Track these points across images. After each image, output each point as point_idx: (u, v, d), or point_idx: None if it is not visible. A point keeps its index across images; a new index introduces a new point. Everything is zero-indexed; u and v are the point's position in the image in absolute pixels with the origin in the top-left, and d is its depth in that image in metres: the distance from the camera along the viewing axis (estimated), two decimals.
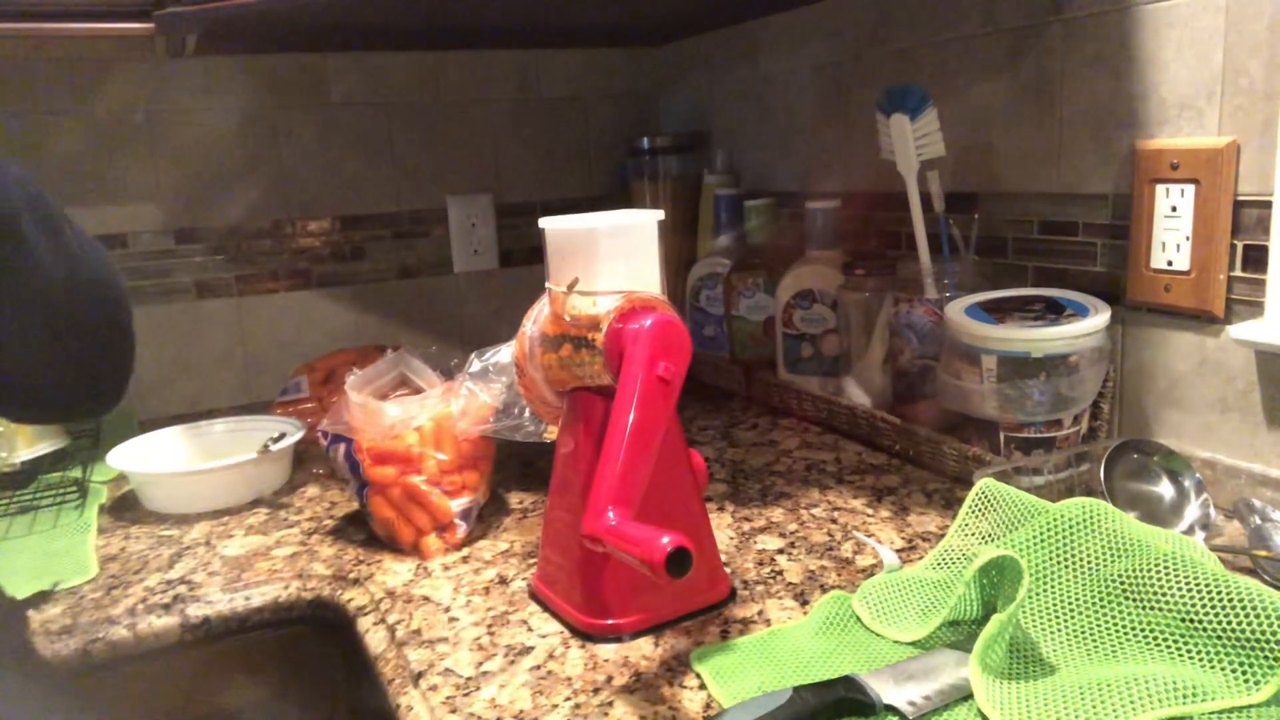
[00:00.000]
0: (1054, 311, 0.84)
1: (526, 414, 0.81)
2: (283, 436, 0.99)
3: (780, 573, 0.74)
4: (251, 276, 1.34)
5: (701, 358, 1.31)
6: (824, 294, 1.10)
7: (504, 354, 0.85)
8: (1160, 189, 0.80)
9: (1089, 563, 0.63)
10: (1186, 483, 0.76)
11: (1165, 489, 0.76)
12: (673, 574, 0.52)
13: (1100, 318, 0.81)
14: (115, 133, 1.24)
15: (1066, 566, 0.64)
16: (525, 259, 1.51)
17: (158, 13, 0.94)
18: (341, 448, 0.85)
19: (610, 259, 0.64)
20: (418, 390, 0.93)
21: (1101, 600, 0.61)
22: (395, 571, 0.80)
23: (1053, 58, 0.89)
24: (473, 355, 0.86)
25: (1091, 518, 0.65)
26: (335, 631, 0.77)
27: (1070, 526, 0.65)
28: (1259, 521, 0.71)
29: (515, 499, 0.94)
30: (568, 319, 0.66)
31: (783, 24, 1.25)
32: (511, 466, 1.01)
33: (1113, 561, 0.62)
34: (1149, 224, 0.81)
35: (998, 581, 0.61)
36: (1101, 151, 0.86)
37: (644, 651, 0.64)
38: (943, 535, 0.79)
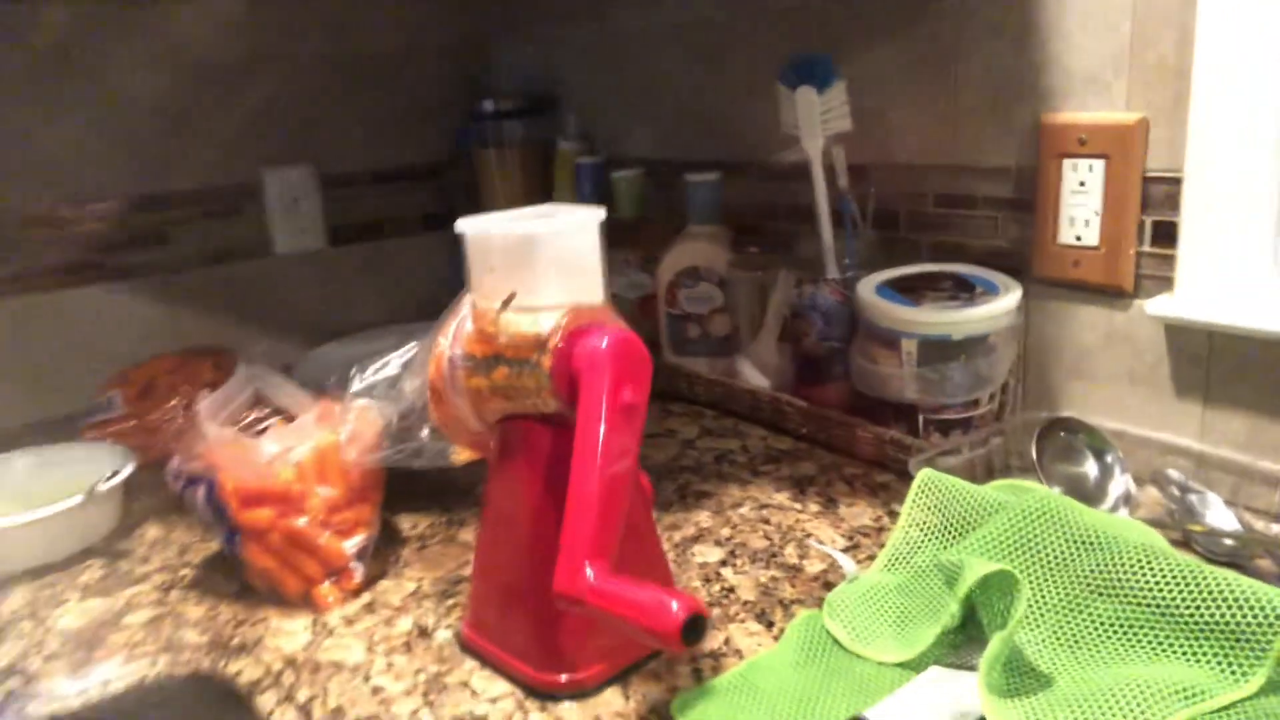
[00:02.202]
0: (964, 289, 0.83)
1: (425, 434, 0.71)
2: (114, 474, 0.82)
3: (732, 590, 0.69)
4: (24, 274, 1.12)
5: None
6: (709, 271, 1.05)
7: (391, 366, 0.74)
8: (1068, 163, 0.79)
9: (1056, 559, 0.62)
10: (1109, 459, 0.77)
11: (1090, 467, 0.77)
12: (688, 643, 0.45)
13: (1014, 295, 0.81)
14: None
15: (1033, 564, 0.63)
16: (357, 235, 1.36)
17: None
18: (200, 490, 0.71)
19: (551, 269, 0.55)
20: (278, 411, 0.79)
21: (1073, 598, 0.60)
22: (288, 631, 0.68)
23: (948, 25, 0.87)
24: (353, 370, 0.74)
25: (1052, 510, 0.63)
26: (224, 716, 0.65)
27: (1032, 521, 0.63)
28: (1178, 493, 0.73)
29: (407, 525, 0.83)
30: (503, 339, 0.56)
31: None
32: (392, 485, 0.89)
33: (1080, 556, 0.61)
34: (1055, 198, 0.81)
35: (980, 590, 0.59)
36: (1002, 124, 0.85)
37: (615, 707, 0.57)
38: (881, 528, 0.76)
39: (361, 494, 0.73)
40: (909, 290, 0.84)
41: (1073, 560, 0.62)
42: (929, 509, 0.70)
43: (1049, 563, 0.62)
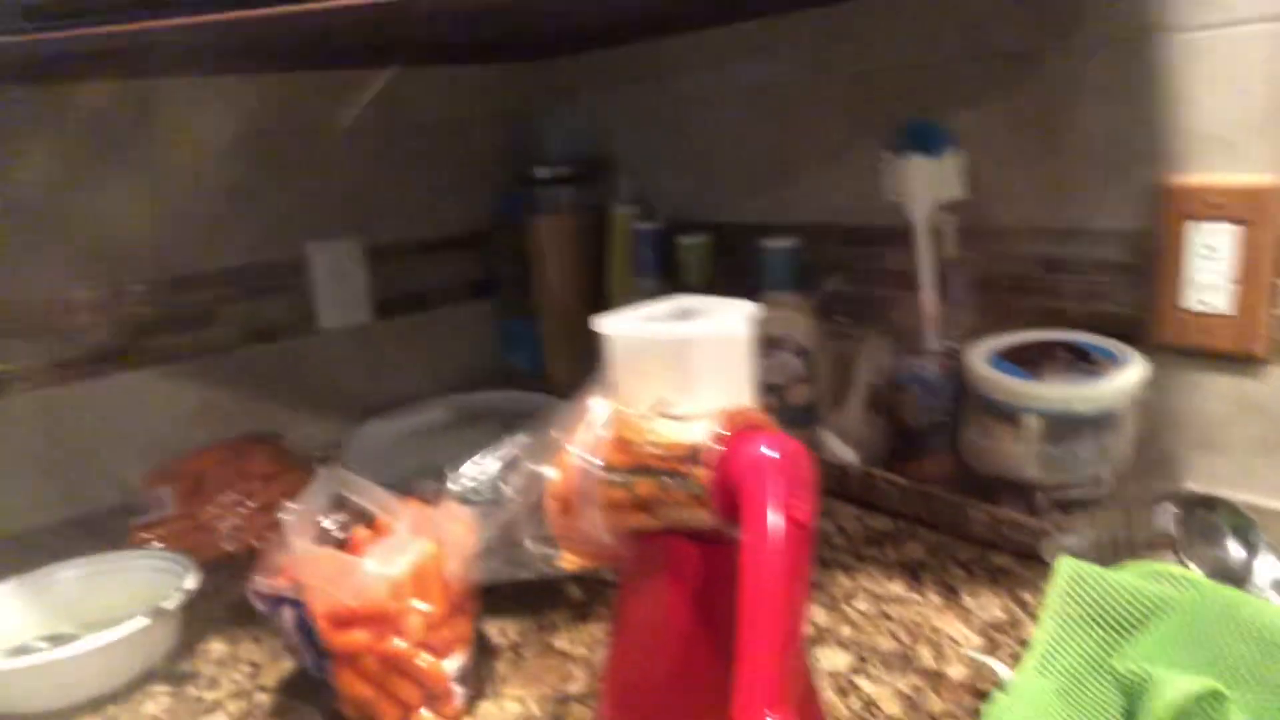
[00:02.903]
0: (1082, 359, 0.78)
1: (529, 542, 0.65)
2: (179, 589, 0.76)
3: (873, 704, 0.63)
4: (64, 363, 1.07)
5: None
6: (788, 340, 1.00)
7: (488, 465, 0.68)
8: (1193, 226, 0.75)
9: (1243, 667, 0.57)
10: (1251, 537, 0.71)
11: (1233, 547, 0.72)
12: None
13: (1139, 365, 0.76)
14: None
15: (1216, 673, 0.57)
16: (401, 306, 1.31)
17: None
18: (289, 612, 0.65)
19: (706, 372, 0.50)
20: (360, 515, 0.74)
21: (1268, 714, 0.55)
22: None
23: (1057, 87, 0.83)
24: (446, 470, 0.69)
25: (1229, 608, 0.58)
26: None
27: (1208, 621, 0.58)
28: None
29: (494, 631, 0.77)
30: (651, 449, 0.51)
31: (700, 41, 1.14)
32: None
33: (1272, 664, 0.56)
34: (1178, 263, 0.76)
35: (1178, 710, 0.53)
36: (1115, 186, 0.81)
37: None
38: (1014, 622, 0.71)
39: (460, 607, 0.67)
40: (1024, 361, 0.79)
41: (1261, 668, 0.56)
42: (1076, 602, 0.64)
43: (1236, 672, 0.57)
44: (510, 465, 0.67)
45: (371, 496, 0.73)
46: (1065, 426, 0.75)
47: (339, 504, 0.74)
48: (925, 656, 0.68)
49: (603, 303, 1.30)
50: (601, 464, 0.54)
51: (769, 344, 1.01)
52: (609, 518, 0.54)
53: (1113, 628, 0.62)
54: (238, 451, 0.98)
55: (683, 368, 0.50)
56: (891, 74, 0.95)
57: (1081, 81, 0.81)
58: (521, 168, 1.34)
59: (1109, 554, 0.74)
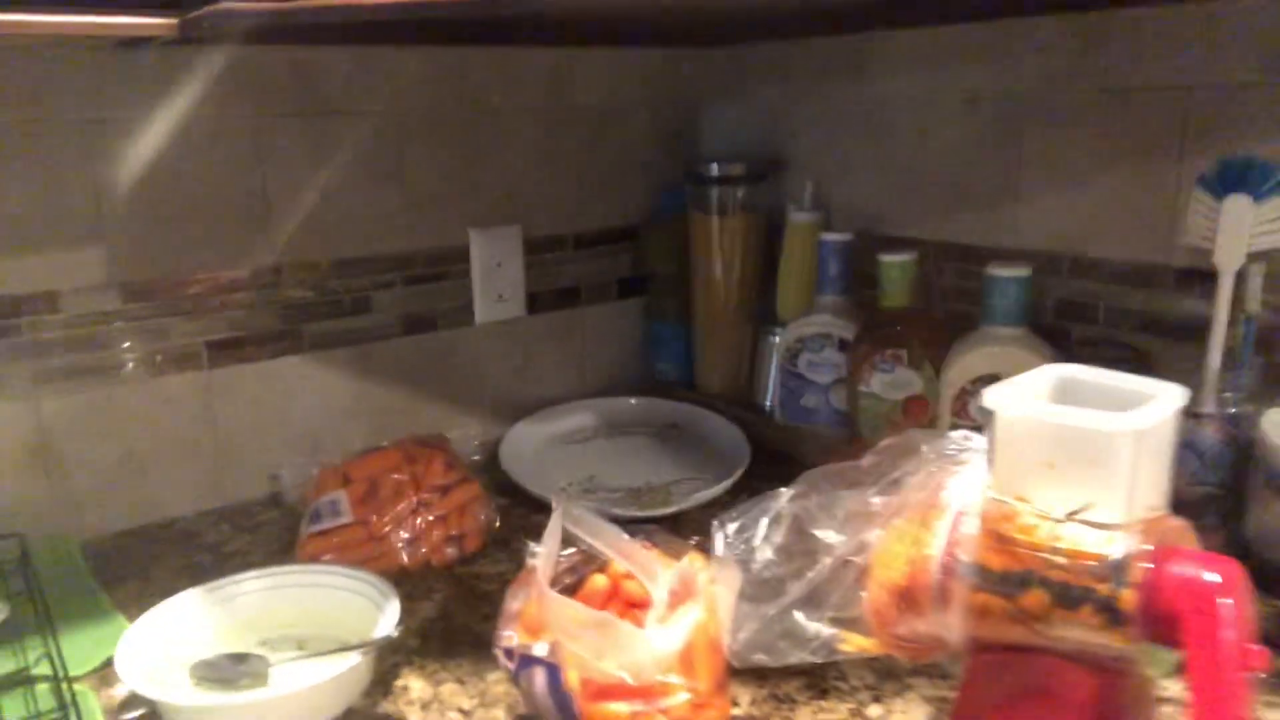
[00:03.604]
0: None
1: (807, 620, 0.58)
2: (390, 620, 0.69)
3: None
4: (225, 343, 1.00)
5: (801, 433, 1.11)
6: None
7: (760, 526, 0.61)
8: None
9: None
10: None
11: None
12: None
13: None
14: (47, 152, 0.88)
15: None
16: (553, 302, 1.24)
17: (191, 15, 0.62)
18: (540, 676, 0.58)
19: (1132, 473, 0.42)
20: (590, 558, 0.66)
21: None
22: None
23: None
24: (715, 524, 0.61)
25: None
26: None
27: None
28: None
29: None
30: (1050, 556, 0.43)
31: (911, 40, 1.04)
32: None
33: None
34: None
35: None
36: None
37: None
38: None
39: (724, 680, 0.60)
40: None
41: None
42: None
43: None
44: (778, 525, 0.60)
45: (607, 539, 0.65)
46: None
47: (566, 542, 0.67)
48: None
49: (765, 313, 1.22)
50: (972, 564, 0.46)
51: (989, 382, 0.92)
52: (972, 625, 0.46)
53: None
54: (411, 457, 0.91)
55: (1108, 466, 0.42)
56: (1162, 93, 0.85)
57: None
58: (685, 162, 1.26)
59: None
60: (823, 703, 0.66)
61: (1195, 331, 0.86)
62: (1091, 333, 0.95)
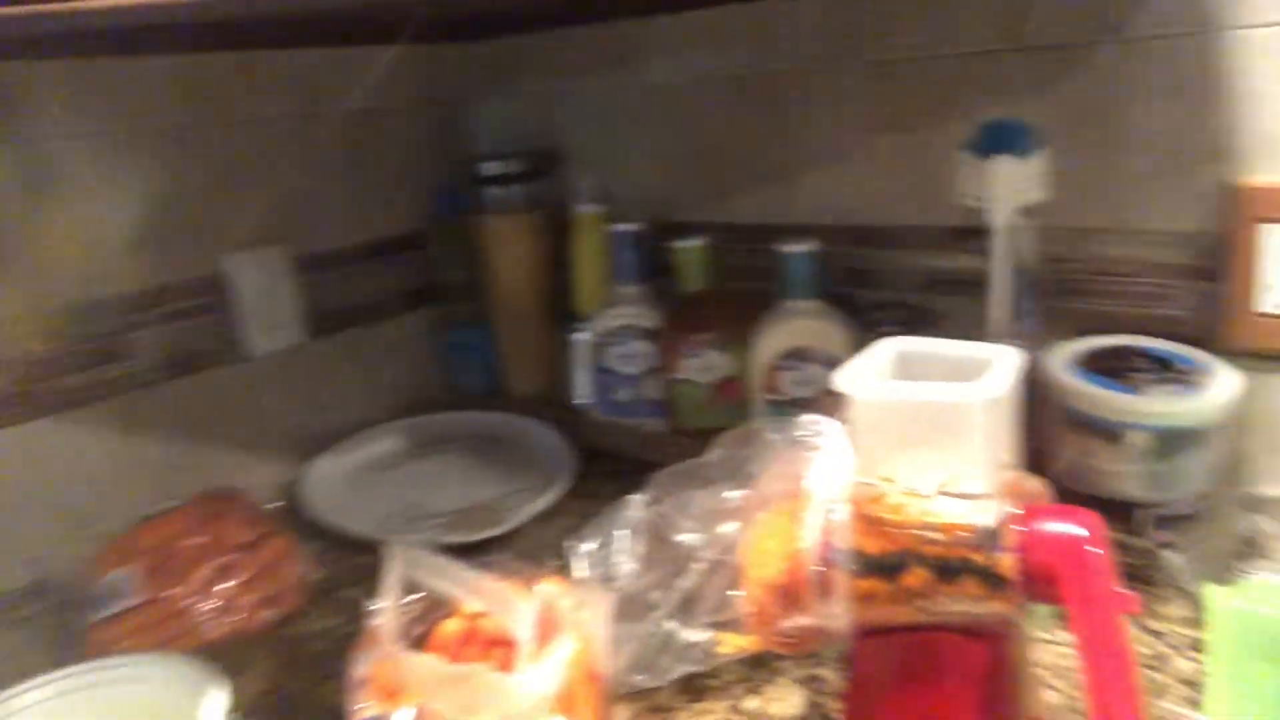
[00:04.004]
0: (1162, 367, 0.77)
1: (688, 638, 0.56)
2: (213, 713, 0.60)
3: None
4: None
5: (620, 428, 1.09)
6: (818, 352, 0.94)
7: (618, 540, 0.58)
8: (1268, 229, 0.75)
9: None
10: None
11: None
12: None
13: (1232, 373, 0.75)
14: None
15: None
16: (336, 325, 1.15)
17: None
18: None
19: (988, 439, 0.43)
20: (437, 604, 0.61)
21: None
22: None
23: (1109, 82, 0.80)
24: (569, 545, 0.58)
25: None
26: None
27: None
28: None
29: None
30: (924, 533, 0.44)
31: (674, 24, 1.05)
32: None
33: None
34: (1252, 266, 0.76)
35: None
36: (1179, 187, 0.79)
37: None
38: (1158, 655, 0.68)
39: (604, 713, 0.57)
40: (1106, 371, 0.77)
41: None
42: (1246, 640, 0.62)
43: None
44: (635, 536, 0.58)
45: (453, 579, 0.61)
46: (1171, 442, 0.73)
47: (409, 589, 0.62)
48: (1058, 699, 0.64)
49: (566, 309, 1.19)
50: (849, 551, 0.45)
51: (798, 356, 0.95)
52: (857, 612, 0.46)
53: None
54: (204, 517, 0.81)
55: (967, 436, 0.43)
56: (918, 65, 0.90)
57: (1137, 77, 0.79)
58: (461, 162, 1.20)
59: (1214, 568, 0.74)
60: (700, 704, 0.65)
61: (974, 286, 0.92)
62: (879, 297, 0.99)
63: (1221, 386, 0.73)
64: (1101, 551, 0.42)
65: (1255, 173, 0.76)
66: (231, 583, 0.79)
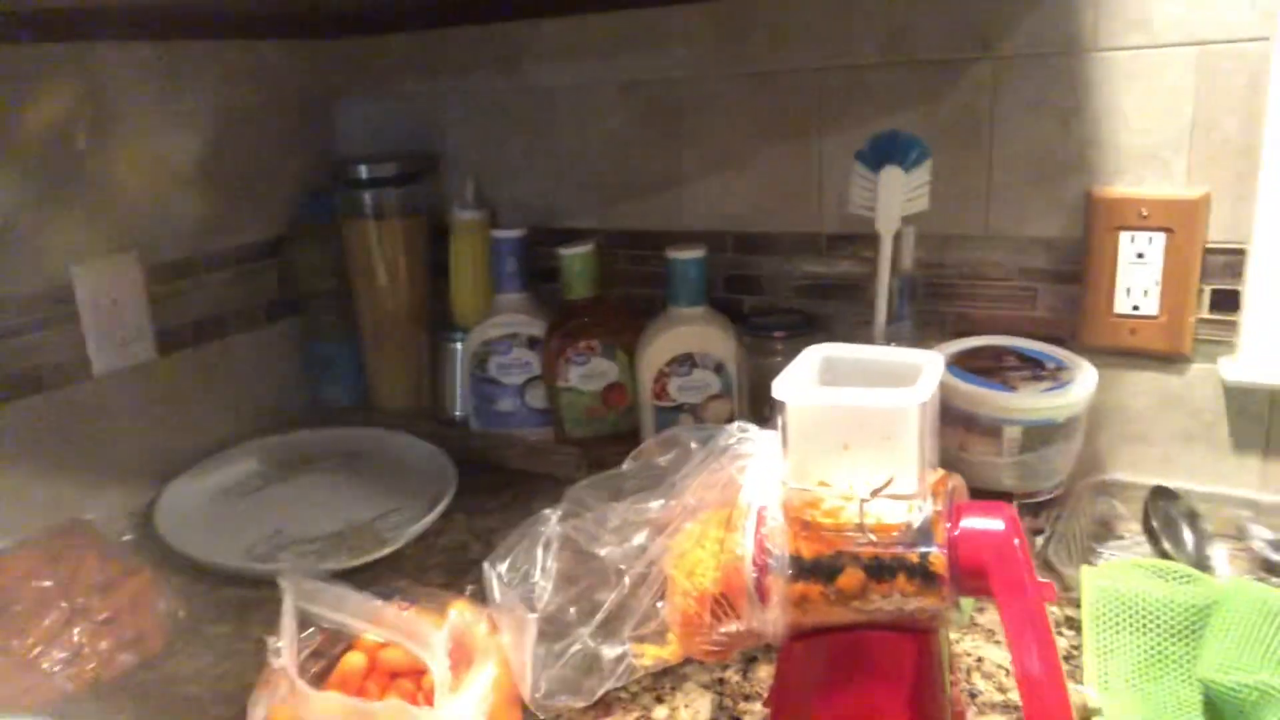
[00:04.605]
0: (1031, 365, 0.82)
1: (612, 655, 0.54)
2: None
3: None
4: None
5: (502, 439, 1.06)
6: (705, 357, 0.94)
7: (535, 557, 0.56)
8: (1125, 236, 0.80)
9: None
10: (1201, 525, 0.79)
11: (1189, 537, 0.78)
12: None
13: (1091, 370, 0.80)
14: None
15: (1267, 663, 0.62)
16: (189, 339, 1.07)
17: None
18: None
19: (919, 442, 0.44)
20: (337, 636, 0.58)
21: None
22: None
23: (982, 97, 0.84)
24: (486, 566, 0.56)
25: (1261, 601, 0.63)
26: None
27: (1261, 620, 0.62)
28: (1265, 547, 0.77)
29: None
30: (857, 534, 0.44)
31: (561, 29, 1.03)
32: None
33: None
34: (1110, 270, 0.82)
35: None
36: (1044, 197, 0.84)
37: None
38: None
39: None
40: (978, 370, 0.81)
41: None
42: (1114, 614, 0.66)
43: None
44: (550, 552, 0.56)
45: (355, 611, 0.57)
46: (1041, 435, 0.77)
47: (303, 623, 0.58)
48: (989, 690, 0.66)
49: (440, 319, 1.15)
50: (785, 556, 0.45)
51: (684, 361, 0.95)
52: (792, 616, 0.46)
53: (1153, 632, 0.65)
54: (51, 556, 0.74)
55: (901, 439, 0.43)
56: (801, 76, 0.92)
57: (1007, 93, 0.84)
58: (329, 164, 1.15)
59: (1077, 550, 0.78)
60: (609, 719, 0.64)
61: (848, 291, 0.95)
62: (761, 302, 1.01)
63: (1084, 382, 0.78)
64: (1020, 542, 0.43)
65: (1114, 184, 0.81)
66: (85, 626, 0.71)
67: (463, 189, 1.11)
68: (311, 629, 0.57)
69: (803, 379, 0.46)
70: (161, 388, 1.04)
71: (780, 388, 0.44)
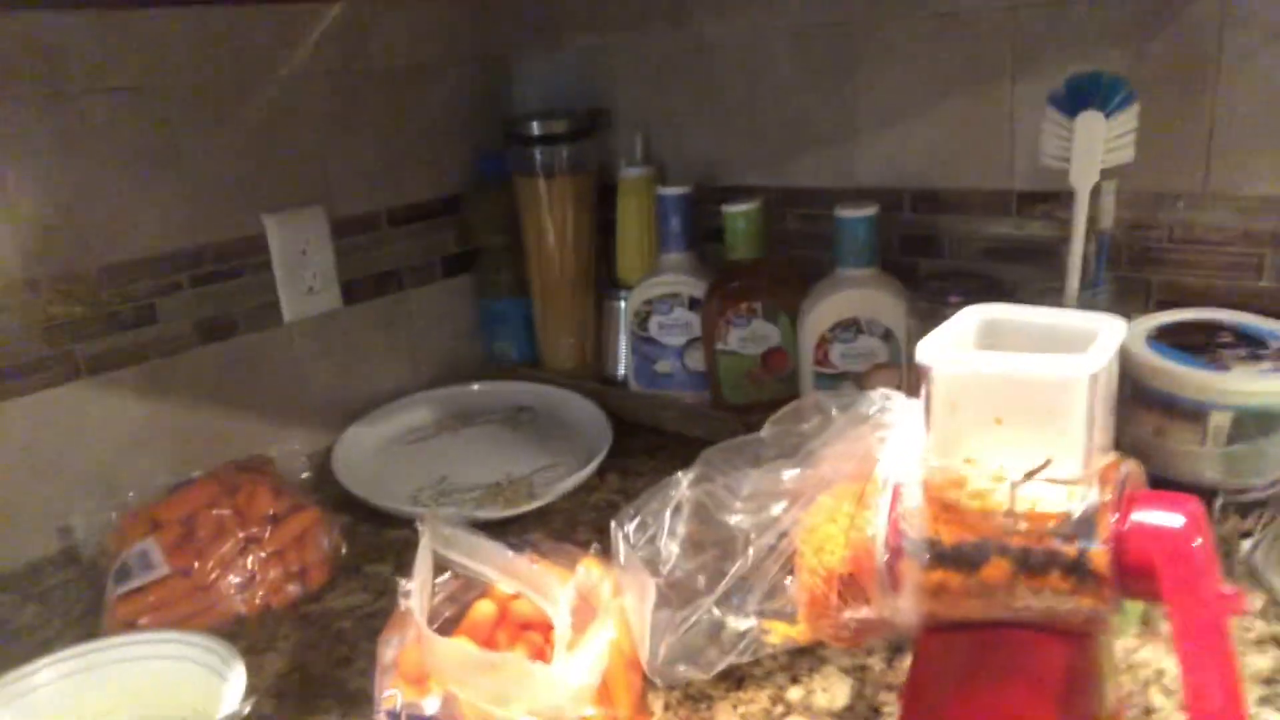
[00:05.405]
0: (1249, 343, 0.71)
1: (737, 628, 0.52)
2: (237, 695, 0.58)
3: None
4: None
5: (659, 400, 1.05)
6: (873, 324, 0.89)
7: (663, 520, 0.54)
8: None
9: None
10: None
11: None
12: None
13: None
14: None
15: None
16: (371, 291, 1.12)
17: None
18: None
19: (1088, 420, 0.38)
20: (470, 584, 0.58)
21: None
22: None
23: (1206, 30, 0.74)
24: (614, 525, 0.54)
25: None
26: None
27: None
28: None
29: None
30: (1008, 521, 0.39)
31: None
32: None
33: None
34: None
35: None
36: (1277, 148, 0.73)
37: None
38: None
39: (642, 704, 0.53)
40: (1187, 346, 0.71)
41: None
42: None
43: None
44: (680, 516, 0.54)
45: (487, 559, 0.57)
46: (1257, 423, 0.67)
47: (438, 569, 0.58)
48: (1166, 706, 0.59)
49: (606, 278, 1.15)
50: (922, 539, 0.41)
51: (850, 327, 0.90)
52: (927, 605, 0.42)
53: None
54: (230, 487, 0.79)
55: (1065, 414, 0.38)
56: (992, 14, 0.84)
57: (1239, 25, 0.73)
58: (502, 122, 1.16)
59: None
60: (740, 694, 0.61)
61: (1039, 254, 0.86)
62: (939, 266, 0.94)
63: None
64: (1203, 543, 0.37)
65: None
66: (258, 556, 0.76)
67: (630, 146, 1.10)
68: (447, 574, 0.58)
69: (954, 342, 0.41)
70: (344, 336, 1.09)
71: (925, 351, 0.40)
